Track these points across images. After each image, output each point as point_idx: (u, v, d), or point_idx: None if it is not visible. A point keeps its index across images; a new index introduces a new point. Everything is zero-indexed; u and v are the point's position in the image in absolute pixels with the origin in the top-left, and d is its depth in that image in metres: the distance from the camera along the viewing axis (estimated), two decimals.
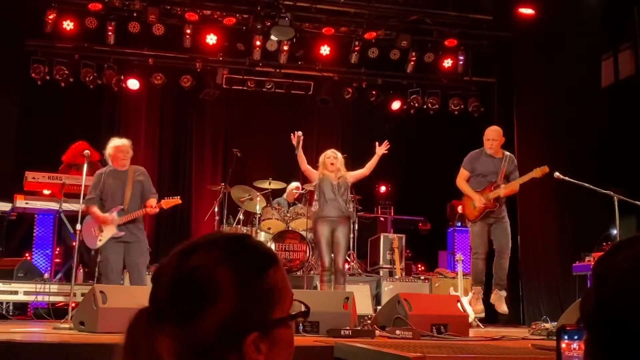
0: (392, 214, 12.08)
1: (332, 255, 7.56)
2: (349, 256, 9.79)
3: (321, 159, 7.76)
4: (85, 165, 6.85)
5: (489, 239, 7.50)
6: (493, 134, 7.52)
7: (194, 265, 1.13)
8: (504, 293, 7.23)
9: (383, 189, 12.81)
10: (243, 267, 1.14)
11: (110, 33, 10.18)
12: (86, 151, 7.04)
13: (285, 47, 10.78)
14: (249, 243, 1.19)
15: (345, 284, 7.59)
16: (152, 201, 6.88)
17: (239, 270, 1.13)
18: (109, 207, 6.75)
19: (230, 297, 1.10)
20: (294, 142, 7.58)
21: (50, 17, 9.88)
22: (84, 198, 6.91)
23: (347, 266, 9.78)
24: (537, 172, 7.30)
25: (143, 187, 6.93)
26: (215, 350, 1.09)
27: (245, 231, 9.60)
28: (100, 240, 6.71)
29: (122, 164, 6.87)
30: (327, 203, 7.47)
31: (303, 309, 1.21)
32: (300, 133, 7.63)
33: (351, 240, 9.81)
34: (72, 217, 8.07)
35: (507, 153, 7.60)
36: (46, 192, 8.99)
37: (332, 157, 7.66)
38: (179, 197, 7.22)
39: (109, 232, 6.69)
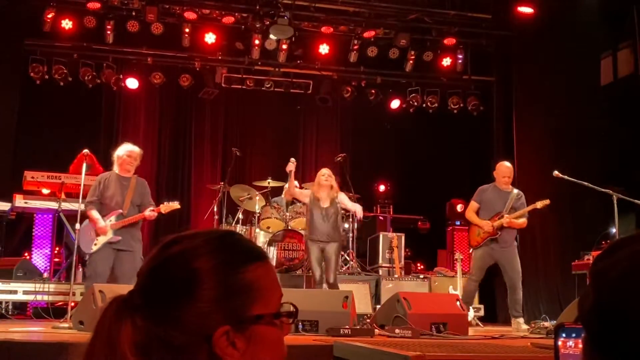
0: (392, 213, 12.08)
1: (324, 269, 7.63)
2: (348, 255, 9.79)
3: (317, 178, 7.81)
4: (85, 165, 6.84)
5: (488, 268, 7.74)
6: (508, 171, 7.84)
7: (172, 254, 1.11)
8: (521, 320, 7.44)
9: (382, 187, 12.81)
10: (222, 259, 1.11)
11: (109, 32, 10.18)
12: (85, 150, 7.04)
13: (284, 46, 10.78)
14: (232, 237, 1.17)
15: None
16: (150, 209, 6.84)
17: (217, 261, 1.10)
18: (108, 211, 6.71)
19: (206, 287, 1.08)
20: (288, 169, 7.63)
21: (49, 16, 9.87)
22: (83, 198, 6.89)
23: (346, 266, 9.79)
24: (539, 205, 7.61)
25: (143, 197, 6.90)
26: (184, 343, 1.06)
27: (244, 230, 9.61)
28: (95, 244, 6.66)
29: (127, 170, 6.85)
30: (315, 227, 7.55)
31: (292, 309, 1.17)
32: (293, 160, 7.76)
33: (349, 239, 9.81)
34: (72, 216, 8.06)
35: (516, 190, 7.85)
36: (45, 191, 8.98)
37: (327, 174, 7.69)
38: (177, 202, 7.15)
39: (105, 236, 6.66)
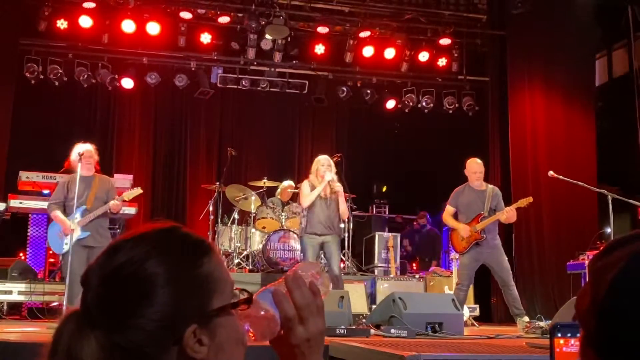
0: (387, 213, 12.09)
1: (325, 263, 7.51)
2: (344, 255, 9.79)
3: (314, 166, 7.53)
4: (80, 165, 6.78)
5: (476, 272, 7.49)
6: (478, 167, 7.55)
7: (121, 262, 1.07)
8: (526, 319, 7.08)
9: (377, 187, 12.83)
10: (174, 259, 1.09)
11: (104, 32, 10.16)
12: (79, 152, 7.01)
13: (280, 46, 10.78)
14: (177, 233, 1.14)
15: (343, 287, 7.53)
16: (116, 199, 6.81)
17: (169, 262, 1.08)
18: (71, 210, 6.69)
19: (163, 291, 1.05)
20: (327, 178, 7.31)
21: (44, 15, 9.85)
22: (79, 198, 6.87)
23: (342, 265, 9.79)
24: (522, 203, 7.35)
25: (108, 193, 6.87)
26: (151, 349, 1.04)
27: (240, 230, 9.60)
28: (66, 244, 6.64)
29: (87, 169, 6.82)
30: (316, 218, 7.31)
31: (244, 296, 1.15)
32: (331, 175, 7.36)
33: (346, 239, 9.81)
34: (67, 216, 8.03)
35: (490, 186, 7.62)
36: (46, 192, 8.94)
37: (327, 164, 7.42)
38: (139, 187, 7.12)
39: (74, 235, 6.63)
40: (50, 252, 9.01)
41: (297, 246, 8.94)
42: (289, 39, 10.71)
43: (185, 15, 10.31)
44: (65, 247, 6.64)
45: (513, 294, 7.26)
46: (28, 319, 7.85)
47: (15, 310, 8.23)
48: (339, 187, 7.37)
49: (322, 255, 7.71)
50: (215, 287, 1.11)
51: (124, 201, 6.98)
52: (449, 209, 7.61)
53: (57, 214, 6.74)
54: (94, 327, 1.04)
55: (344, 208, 7.58)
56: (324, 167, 7.39)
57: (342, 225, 9.85)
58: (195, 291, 1.08)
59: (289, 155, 12.05)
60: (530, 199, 7.34)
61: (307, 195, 7.37)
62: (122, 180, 8.89)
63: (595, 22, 9.88)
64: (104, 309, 1.05)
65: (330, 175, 7.31)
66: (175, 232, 1.14)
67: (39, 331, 6.01)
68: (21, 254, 9.00)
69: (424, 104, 11.36)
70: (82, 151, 6.83)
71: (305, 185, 7.52)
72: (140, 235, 1.12)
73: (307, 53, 11.09)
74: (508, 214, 7.29)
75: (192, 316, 1.06)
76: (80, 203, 6.69)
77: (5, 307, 7.94)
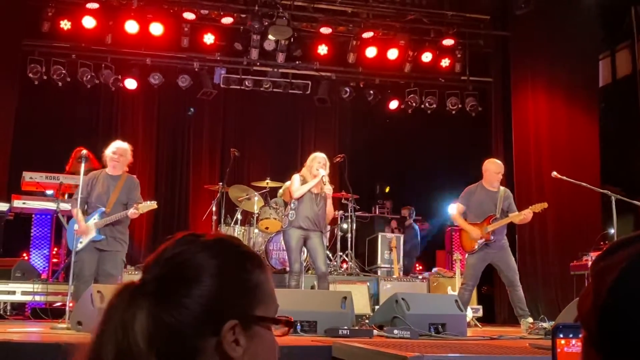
0: (390, 213, 12.09)
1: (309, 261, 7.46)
2: (346, 255, 9.79)
3: (309, 162, 7.50)
4: (83, 165, 6.79)
5: (483, 272, 7.49)
6: (500, 168, 7.51)
7: (179, 251, 1.16)
8: (530, 320, 7.10)
9: (380, 188, 12.82)
10: (227, 259, 1.17)
11: (107, 33, 10.17)
12: (83, 151, 7.00)
13: (283, 47, 10.78)
14: (236, 242, 1.23)
15: (329, 287, 7.52)
16: (135, 207, 6.72)
17: (222, 260, 1.16)
18: (93, 210, 6.67)
19: (212, 281, 1.13)
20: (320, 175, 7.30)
21: (48, 16, 9.86)
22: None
23: (345, 266, 9.79)
24: (537, 208, 7.31)
25: (129, 194, 6.80)
26: (191, 331, 1.10)
27: (243, 230, 9.60)
28: (81, 242, 6.63)
29: (114, 167, 6.78)
30: (303, 213, 7.26)
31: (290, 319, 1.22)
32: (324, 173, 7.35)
33: (348, 240, 9.80)
34: (70, 217, 8.05)
35: (502, 187, 7.58)
36: (49, 192, 8.95)
37: (322, 162, 7.38)
38: (155, 202, 7.05)
39: (89, 235, 6.63)
40: (54, 252, 9.04)
41: None
42: (292, 40, 10.72)
43: (189, 15, 10.32)
44: (80, 246, 6.61)
45: (519, 295, 7.26)
46: (31, 319, 7.87)
47: (18, 311, 8.26)
48: (329, 189, 7.33)
49: (306, 253, 7.66)
50: (262, 298, 1.18)
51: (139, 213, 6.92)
52: (459, 207, 7.57)
53: (76, 212, 6.68)
54: (147, 298, 1.11)
55: (330, 209, 7.53)
56: (320, 164, 7.36)
57: (344, 227, 9.88)
58: (242, 292, 1.16)
59: (291, 156, 12.04)
60: (545, 205, 7.29)
61: (300, 187, 7.34)
62: None
63: (598, 23, 9.86)
64: (157, 285, 1.13)
65: (324, 172, 7.31)
66: (234, 240, 1.23)
67: (42, 331, 6.03)
68: (24, 255, 9.01)
69: (427, 104, 11.36)
70: (116, 148, 6.80)
71: (296, 178, 7.46)
72: (203, 233, 1.21)
73: (310, 54, 11.09)
74: (526, 216, 7.28)
75: (234, 313, 1.13)
76: (100, 204, 6.67)
77: (8, 308, 7.96)
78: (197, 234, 1.20)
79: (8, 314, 7.89)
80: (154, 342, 1.09)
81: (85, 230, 6.57)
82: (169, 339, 1.09)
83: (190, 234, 1.21)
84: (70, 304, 6.50)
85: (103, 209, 6.65)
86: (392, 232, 11.24)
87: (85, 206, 6.74)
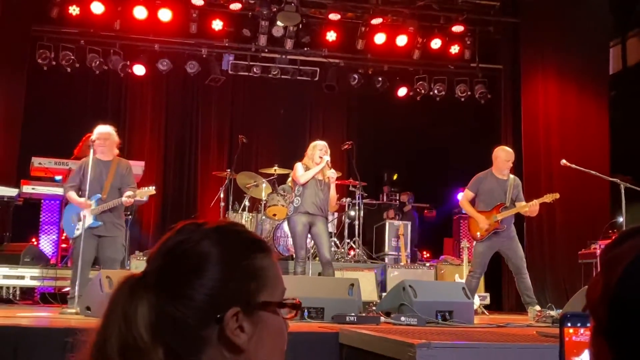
0: (398, 201, 12.07)
1: (313, 247, 7.48)
2: (354, 242, 9.80)
3: (310, 151, 7.53)
4: (92, 151, 6.77)
5: (490, 260, 7.48)
6: (511, 156, 7.48)
7: (181, 239, 1.16)
8: (537, 307, 7.07)
9: (388, 175, 12.80)
10: (229, 245, 1.17)
11: (116, 18, 10.16)
12: (92, 137, 6.99)
13: (291, 33, 10.74)
14: (238, 228, 1.22)
15: (334, 274, 7.55)
16: (129, 192, 6.72)
17: (224, 246, 1.16)
18: (87, 196, 6.64)
19: (214, 269, 1.13)
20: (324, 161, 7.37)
21: (56, 2, 9.86)
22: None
23: (352, 253, 9.80)
24: (549, 198, 7.30)
25: (123, 179, 6.81)
26: (194, 321, 1.10)
27: (250, 217, 9.61)
28: (77, 229, 6.64)
29: (101, 151, 6.75)
30: (308, 199, 7.28)
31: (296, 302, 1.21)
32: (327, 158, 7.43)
33: (356, 227, 9.81)
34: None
35: (512, 176, 7.54)
36: (58, 178, 8.98)
37: (324, 150, 7.43)
38: (153, 187, 7.04)
39: (87, 222, 6.60)
40: (63, 237, 9.08)
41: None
42: (300, 26, 10.68)
43: (197, 1, 10.28)
44: (77, 232, 6.64)
45: (526, 283, 7.25)
46: (40, 304, 7.93)
47: (27, 296, 8.31)
48: (333, 173, 7.40)
49: (311, 240, 7.68)
50: (266, 282, 1.17)
51: (135, 198, 6.90)
52: (467, 194, 7.55)
53: (71, 194, 6.71)
54: (148, 290, 1.12)
55: (334, 194, 7.63)
56: (322, 151, 7.41)
57: (352, 214, 9.89)
58: (244, 278, 1.15)
59: (299, 143, 11.98)
60: (557, 195, 7.27)
61: (305, 173, 7.38)
62: (134, 167, 8.87)
63: (609, 10, 9.77)
64: (159, 276, 1.14)
65: (328, 157, 7.36)
66: (236, 226, 1.23)
67: (51, 316, 6.07)
68: (33, 240, 9.06)
69: (435, 91, 11.30)
70: (99, 133, 6.77)
71: (299, 165, 7.50)
72: (205, 222, 1.21)
73: (318, 40, 11.05)
74: (532, 208, 7.25)
75: (237, 299, 1.12)
76: (96, 190, 6.66)
77: (17, 292, 8.01)
78: (199, 223, 1.20)
79: (17, 298, 7.94)
80: (158, 334, 1.09)
81: (87, 204, 6.58)
82: (173, 330, 1.10)
83: (191, 223, 1.20)
84: (69, 290, 6.49)
85: (99, 195, 6.65)
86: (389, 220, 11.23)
87: (79, 193, 6.74)
